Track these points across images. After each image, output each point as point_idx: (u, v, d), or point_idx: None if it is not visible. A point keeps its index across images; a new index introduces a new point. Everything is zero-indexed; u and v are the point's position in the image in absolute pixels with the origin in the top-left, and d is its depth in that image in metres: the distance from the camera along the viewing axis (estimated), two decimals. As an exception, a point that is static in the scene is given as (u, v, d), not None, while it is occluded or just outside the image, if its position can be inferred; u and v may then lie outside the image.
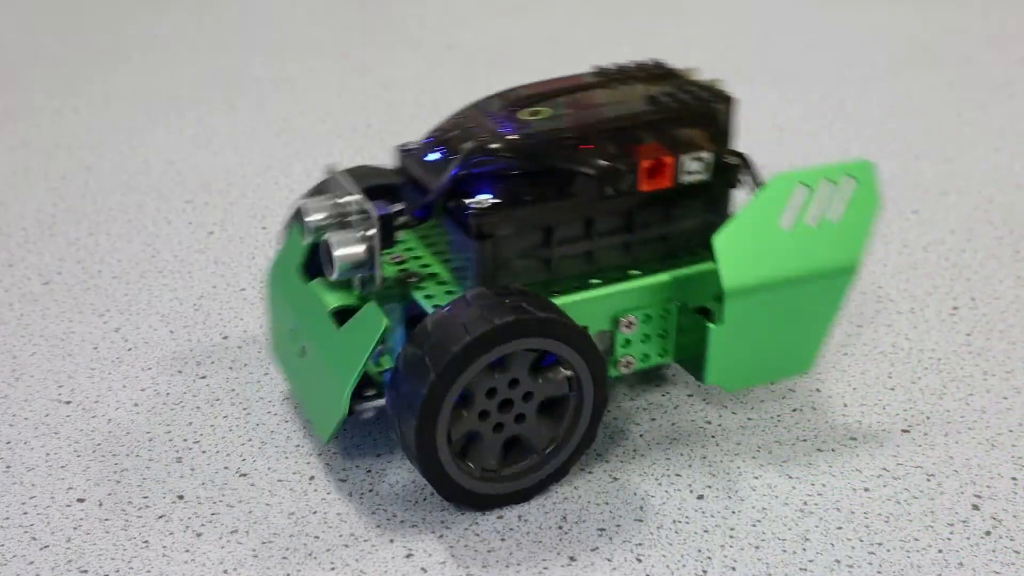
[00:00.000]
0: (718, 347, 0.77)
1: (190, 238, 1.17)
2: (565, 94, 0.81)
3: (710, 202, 0.81)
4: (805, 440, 0.84)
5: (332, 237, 0.76)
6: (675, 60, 1.03)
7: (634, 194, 0.78)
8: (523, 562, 0.71)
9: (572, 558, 0.72)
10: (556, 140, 0.76)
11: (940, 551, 0.72)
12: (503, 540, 0.73)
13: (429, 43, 1.90)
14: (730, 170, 0.80)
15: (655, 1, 2.20)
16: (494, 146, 0.75)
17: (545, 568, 0.71)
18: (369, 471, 0.80)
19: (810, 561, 0.72)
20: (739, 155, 0.80)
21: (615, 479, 0.79)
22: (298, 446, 0.83)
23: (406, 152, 0.82)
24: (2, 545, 0.73)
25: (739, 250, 0.74)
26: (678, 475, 0.80)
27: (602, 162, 0.76)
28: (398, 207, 0.77)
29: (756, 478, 0.79)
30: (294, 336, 0.81)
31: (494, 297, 0.71)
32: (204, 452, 0.83)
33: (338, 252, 0.75)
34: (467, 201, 0.75)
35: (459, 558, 0.72)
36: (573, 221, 0.77)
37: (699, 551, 0.72)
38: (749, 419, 0.86)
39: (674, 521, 0.75)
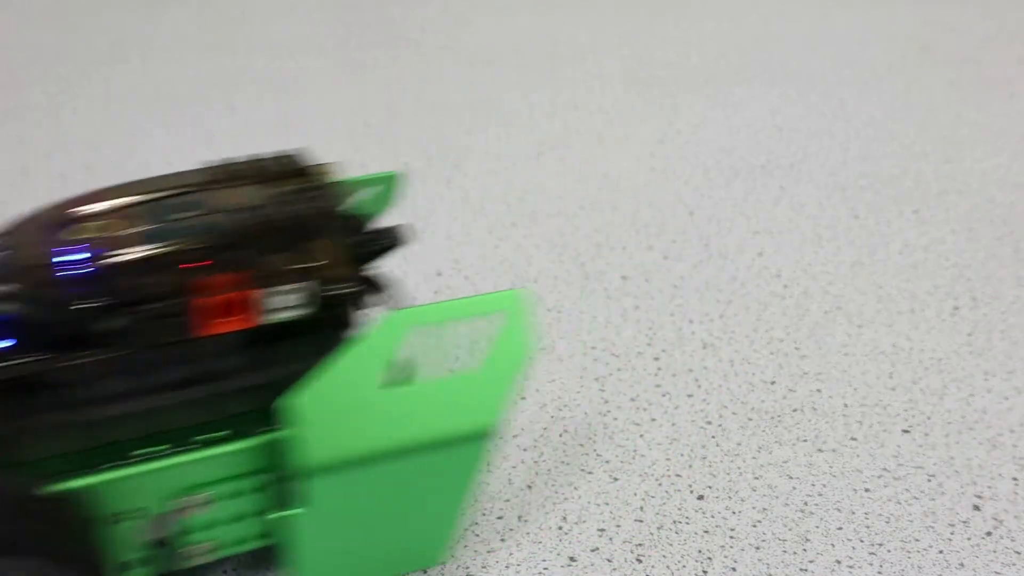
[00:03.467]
0: (307, 536, 0.63)
1: (190, 238, 1.17)
2: (133, 207, 0.60)
3: (319, 344, 0.63)
4: (805, 440, 0.83)
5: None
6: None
7: (188, 341, 0.59)
8: (523, 562, 0.71)
9: (572, 558, 0.72)
10: (94, 274, 0.57)
11: (941, 552, 0.72)
12: (503, 540, 0.73)
13: (429, 43, 1.89)
14: (341, 303, 0.61)
15: (655, 1, 2.20)
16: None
17: (545, 568, 0.71)
18: (369, 471, 0.80)
19: (811, 562, 0.71)
20: (365, 280, 0.63)
21: (615, 479, 0.79)
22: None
23: None
24: (1, 545, 0.73)
25: (326, 416, 0.58)
26: (678, 475, 0.80)
27: (139, 301, 0.58)
28: None
29: (756, 478, 0.79)
30: None
31: None
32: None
33: None
34: None
35: (459, 558, 0.72)
36: (107, 375, 0.59)
37: (699, 551, 0.72)
38: (749, 419, 0.86)
39: (674, 521, 0.75)
